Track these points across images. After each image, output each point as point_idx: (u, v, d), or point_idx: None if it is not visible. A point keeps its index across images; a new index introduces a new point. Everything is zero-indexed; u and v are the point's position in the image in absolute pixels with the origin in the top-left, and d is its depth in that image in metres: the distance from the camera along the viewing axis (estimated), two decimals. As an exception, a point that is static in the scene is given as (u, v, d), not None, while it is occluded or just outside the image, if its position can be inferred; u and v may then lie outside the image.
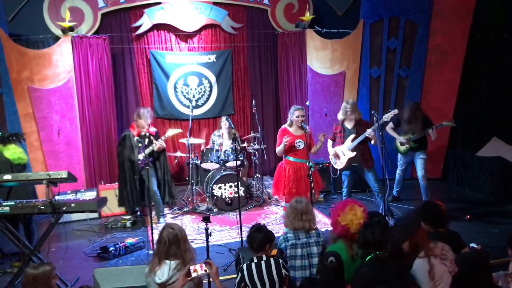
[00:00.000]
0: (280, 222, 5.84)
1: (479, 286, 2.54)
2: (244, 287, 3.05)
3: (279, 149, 5.31)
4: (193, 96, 7.90)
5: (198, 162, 6.72)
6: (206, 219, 3.54)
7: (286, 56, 7.85)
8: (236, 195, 5.89)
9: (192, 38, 7.80)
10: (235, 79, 8.12)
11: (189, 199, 6.79)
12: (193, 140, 6.93)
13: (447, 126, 6.15)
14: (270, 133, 8.05)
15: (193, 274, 2.81)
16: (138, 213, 6.37)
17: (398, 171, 6.44)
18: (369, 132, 5.29)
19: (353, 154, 5.48)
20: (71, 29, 6.76)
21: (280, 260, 3.16)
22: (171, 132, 6.01)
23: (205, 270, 2.84)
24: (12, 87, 6.57)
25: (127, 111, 7.55)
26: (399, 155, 6.30)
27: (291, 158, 5.32)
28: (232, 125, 6.00)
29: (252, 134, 6.94)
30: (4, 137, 4.86)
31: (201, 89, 7.93)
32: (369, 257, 2.88)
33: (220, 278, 3.07)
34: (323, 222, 5.59)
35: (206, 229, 3.46)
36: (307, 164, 4.90)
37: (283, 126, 5.47)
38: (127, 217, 6.15)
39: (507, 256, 3.10)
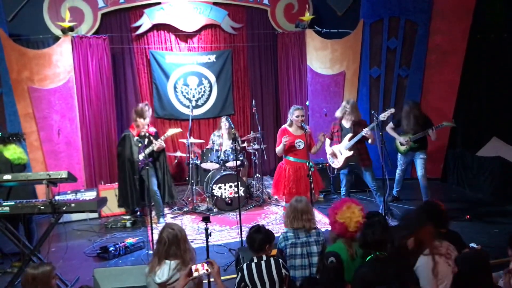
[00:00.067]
0: (280, 222, 5.84)
1: (479, 286, 2.54)
2: (244, 287, 3.05)
3: (278, 149, 5.32)
4: (193, 96, 7.90)
5: (198, 162, 6.72)
6: (206, 219, 3.54)
7: (286, 56, 7.85)
8: (236, 195, 5.89)
9: (192, 38, 7.80)
10: (235, 79, 8.12)
11: (189, 199, 6.79)
12: (193, 140, 6.94)
13: (447, 126, 6.15)
14: (270, 133, 8.05)
15: (195, 274, 2.80)
16: (138, 213, 6.38)
17: (398, 171, 6.44)
18: (365, 131, 5.29)
19: (350, 153, 5.48)
20: (71, 29, 6.76)
21: (280, 260, 3.16)
22: (170, 131, 6.02)
23: (207, 270, 2.84)
24: (12, 87, 6.57)
25: (127, 111, 7.55)
26: (399, 155, 6.30)
27: (291, 158, 5.32)
28: (232, 125, 6.00)
29: (252, 134, 6.94)
30: (5, 137, 4.86)
31: (201, 89, 7.93)
32: (369, 257, 2.88)
33: (221, 278, 3.07)
34: (323, 222, 5.58)
35: (206, 229, 3.46)
36: (307, 164, 4.90)
37: (283, 126, 5.48)
38: (127, 217, 6.15)
39: (507, 256, 3.10)
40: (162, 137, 5.89)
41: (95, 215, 6.23)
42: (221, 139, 6.98)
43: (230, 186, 6.40)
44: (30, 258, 4.05)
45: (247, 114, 8.23)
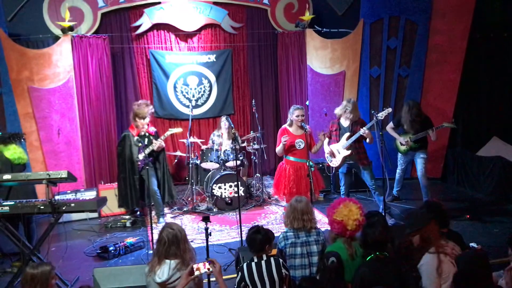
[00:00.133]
0: (280, 222, 5.84)
1: (479, 285, 2.54)
2: (244, 286, 3.05)
3: (278, 149, 5.32)
4: (193, 96, 7.89)
5: (198, 161, 6.72)
6: (206, 219, 3.54)
7: (286, 56, 7.85)
8: (236, 195, 5.89)
9: (192, 37, 7.80)
10: (235, 79, 8.11)
11: (189, 199, 6.79)
12: (193, 140, 6.93)
13: (447, 127, 6.15)
14: (270, 133, 8.06)
15: (196, 273, 2.80)
16: (138, 212, 6.38)
17: (398, 171, 6.44)
18: (363, 130, 5.29)
19: (348, 152, 5.48)
20: (71, 28, 6.76)
21: (280, 260, 3.16)
22: (170, 131, 6.02)
23: (208, 269, 2.84)
24: (12, 87, 6.56)
25: (127, 111, 7.52)
26: (399, 155, 6.30)
27: (291, 158, 5.32)
28: (232, 125, 6.00)
29: (252, 134, 6.94)
30: (5, 137, 4.86)
31: (201, 88, 7.92)
32: (370, 257, 2.88)
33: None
34: (323, 222, 5.58)
35: (206, 229, 3.46)
36: (307, 164, 4.90)
37: (283, 126, 5.48)
38: (127, 216, 6.16)
39: (507, 256, 3.10)
40: (162, 137, 5.89)
41: (95, 214, 6.23)
42: (221, 138, 6.98)
43: (230, 186, 6.40)
44: (30, 257, 4.04)
45: (247, 114, 8.23)
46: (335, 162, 5.64)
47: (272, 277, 3.04)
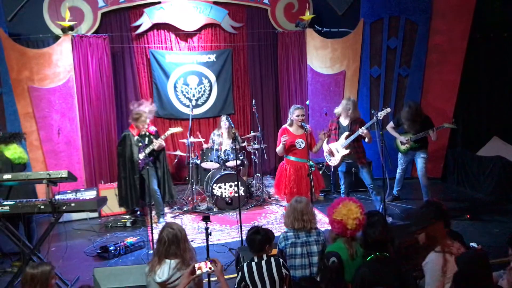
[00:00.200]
0: (280, 222, 5.84)
1: (479, 285, 2.54)
2: (245, 286, 3.05)
3: (279, 149, 5.32)
4: (193, 96, 7.89)
5: (198, 161, 6.72)
6: (206, 219, 3.53)
7: (286, 56, 7.85)
8: (236, 195, 5.89)
9: (192, 37, 7.80)
10: (235, 79, 8.11)
11: (189, 199, 6.79)
12: (194, 139, 6.93)
13: (448, 128, 6.15)
14: (270, 132, 8.06)
15: (198, 272, 2.80)
16: (138, 212, 6.38)
17: (398, 170, 6.44)
18: (362, 130, 5.29)
19: (347, 151, 5.49)
20: (71, 28, 6.75)
21: (281, 260, 3.15)
22: (170, 130, 6.02)
23: (210, 268, 2.84)
24: (12, 87, 6.56)
25: (127, 110, 7.50)
26: (400, 154, 6.31)
27: (292, 158, 5.32)
28: (232, 125, 6.01)
29: (252, 134, 6.94)
30: (5, 137, 4.87)
31: (201, 88, 7.92)
32: (370, 257, 2.88)
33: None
34: (323, 222, 5.58)
35: (206, 229, 3.46)
36: (308, 163, 4.90)
37: (283, 126, 5.48)
38: (127, 216, 6.16)
39: (507, 256, 3.09)
40: (163, 136, 5.90)
41: (95, 214, 6.23)
42: (221, 138, 6.98)
43: (230, 186, 6.40)
44: (30, 257, 4.04)
45: (247, 114, 8.23)
46: (333, 161, 5.65)
47: (272, 277, 3.04)
